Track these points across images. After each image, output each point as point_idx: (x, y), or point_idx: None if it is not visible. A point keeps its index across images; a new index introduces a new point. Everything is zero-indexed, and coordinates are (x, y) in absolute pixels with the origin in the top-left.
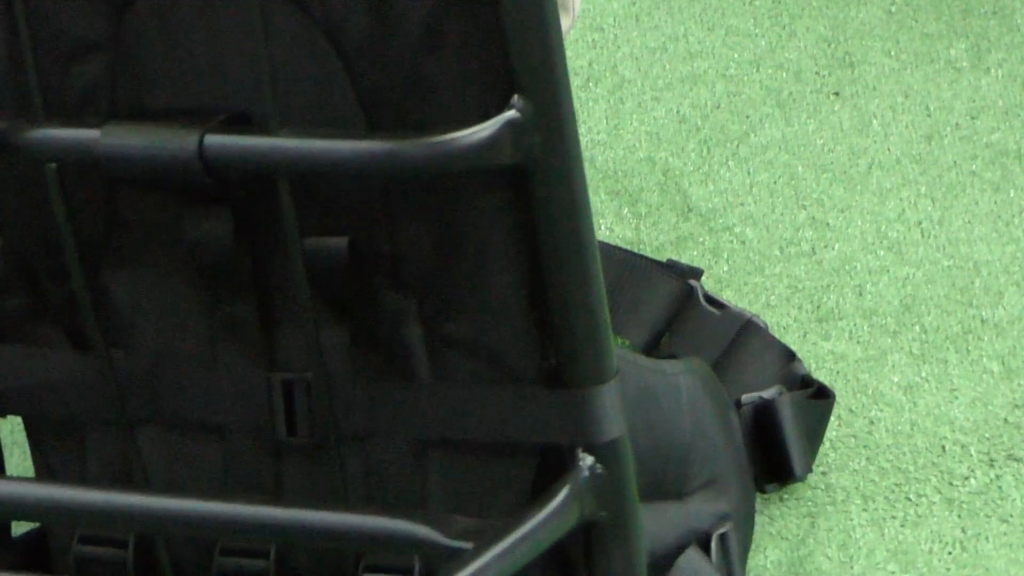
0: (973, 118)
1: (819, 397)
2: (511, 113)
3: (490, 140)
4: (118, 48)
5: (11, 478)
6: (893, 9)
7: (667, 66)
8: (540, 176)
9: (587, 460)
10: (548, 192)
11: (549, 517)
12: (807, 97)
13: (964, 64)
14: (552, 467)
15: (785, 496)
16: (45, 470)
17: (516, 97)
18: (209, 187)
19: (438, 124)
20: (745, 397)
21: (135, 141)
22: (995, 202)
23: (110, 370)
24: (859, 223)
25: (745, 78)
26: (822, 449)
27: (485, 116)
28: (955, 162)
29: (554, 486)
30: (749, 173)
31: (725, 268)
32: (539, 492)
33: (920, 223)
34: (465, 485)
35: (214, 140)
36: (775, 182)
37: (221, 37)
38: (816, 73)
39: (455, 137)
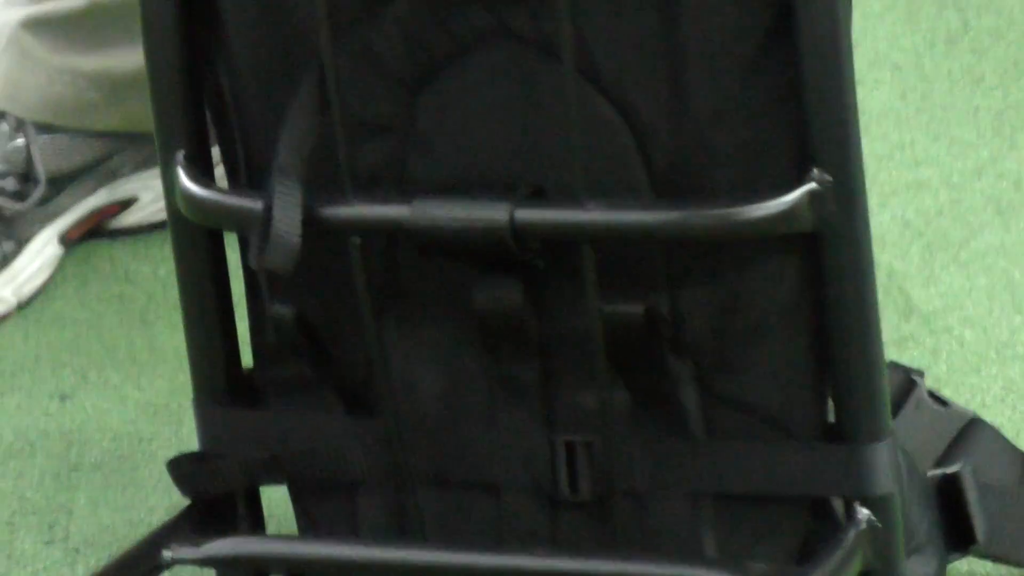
0: None
1: None
2: (811, 184)
3: (791, 209)
4: (409, 127)
5: (289, 536)
6: None
7: (893, 173)
8: (834, 242)
9: (864, 513)
10: (840, 256)
11: (838, 566)
12: None
13: None
14: (817, 517)
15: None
16: (312, 532)
17: (815, 168)
18: (515, 256)
19: (726, 191)
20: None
21: (446, 215)
22: None
23: (397, 433)
24: None
25: (967, 186)
26: None
27: (774, 183)
28: None
29: (837, 537)
30: (969, 277)
31: (944, 368)
32: (805, 541)
33: None
34: (737, 534)
35: (524, 213)
36: (993, 286)
37: (511, 115)
38: None
39: (760, 207)
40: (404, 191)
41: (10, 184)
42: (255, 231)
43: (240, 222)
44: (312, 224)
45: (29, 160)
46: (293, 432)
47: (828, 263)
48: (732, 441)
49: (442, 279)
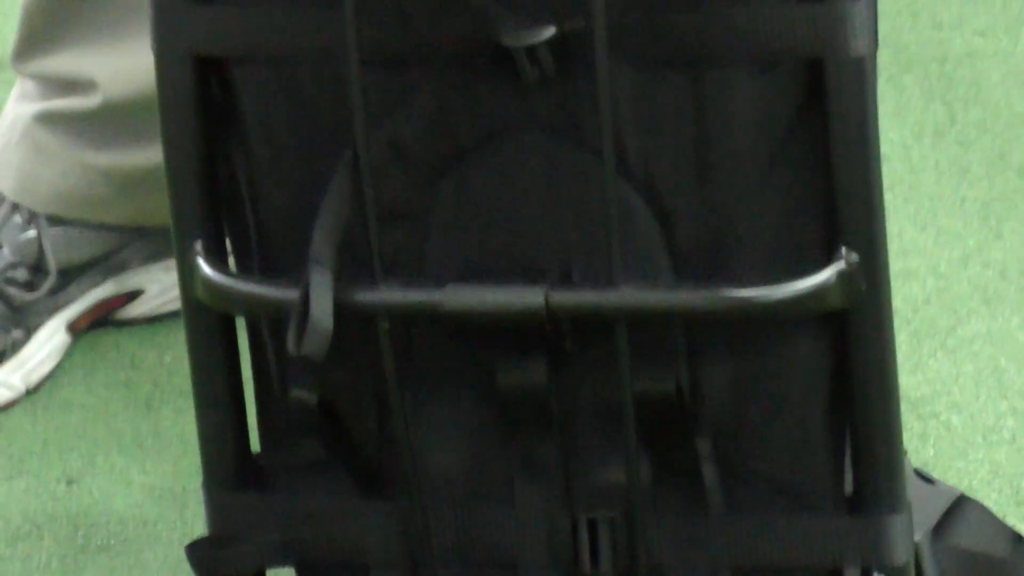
0: None
1: None
2: (840, 264)
3: (822, 289)
4: (430, 212)
5: None
6: None
7: None
8: (860, 319)
9: None
10: (866, 333)
11: None
12: (1011, 295)
13: None
14: None
15: None
16: None
17: (844, 249)
18: (546, 338)
19: (748, 272)
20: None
21: (480, 300)
22: None
23: (416, 513)
24: None
25: (954, 275)
26: None
27: (799, 261)
28: None
29: None
30: (956, 364)
31: (931, 452)
32: None
33: None
34: None
35: (559, 296)
36: (980, 373)
37: (533, 199)
38: (1020, 272)
39: (791, 287)
40: (423, 274)
41: (21, 274)
42: (292, 319)
43: (268, 309)
44: (344, 310)
45: (40, 252)
46: (305, 515)
47: (854, 339)
48: (752, 514)
49: (462, 358)
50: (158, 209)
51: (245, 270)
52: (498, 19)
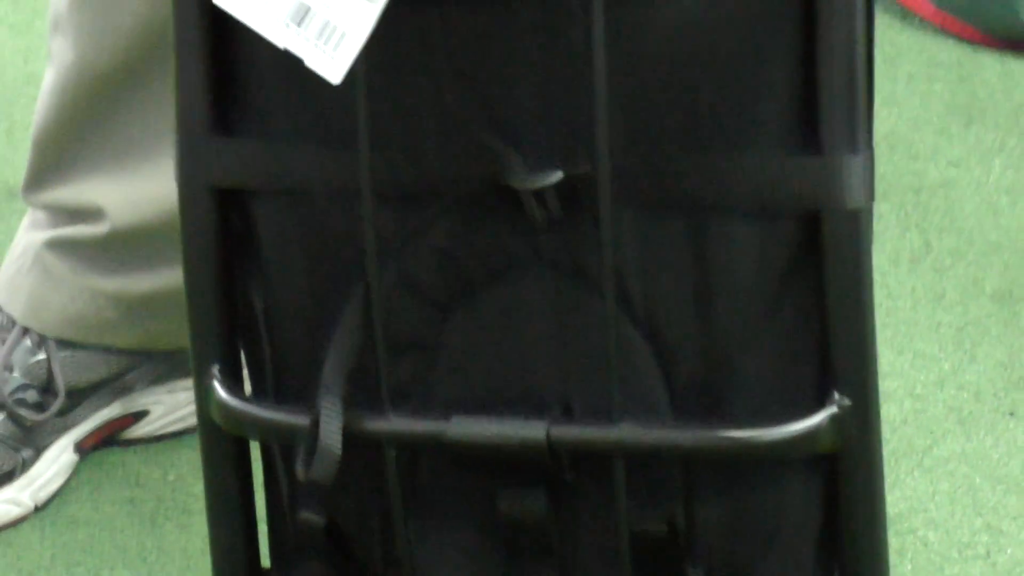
0: None
1: None
2: (833, 408)
3: (815, 432)
4: (438, 345)
5: None
6: None
7: None
8: (851, 463)
9: None
10: (856, 476)
11: None
12: (985, 416)
13: None
14: None
15: None
16: None
17: (836, 393)
18: (547, 470)
19: (744, 411)
20: None
21: (484, 432)
22: None
23: None
24: None
25: (930, 397)
26: None
27: (794, 403)
28: None
29: None
30: (932, 482)
31: (909, 567)
32: None
33: None
34: None
35: (559, 430)
36: (955, 491)
37: (538, 335)
38: (994, 395)
39: (785, 429)
40: (430, 402)
41: (31, 396)
42: (302, 444)
43: (280, 435)
44: (353, 438)
45: (50, 374)
46: None
47: (844, 481)
48: None
49: (466, 485)
50: (163, 333)
51: (260, 393)
52: (508, 161)
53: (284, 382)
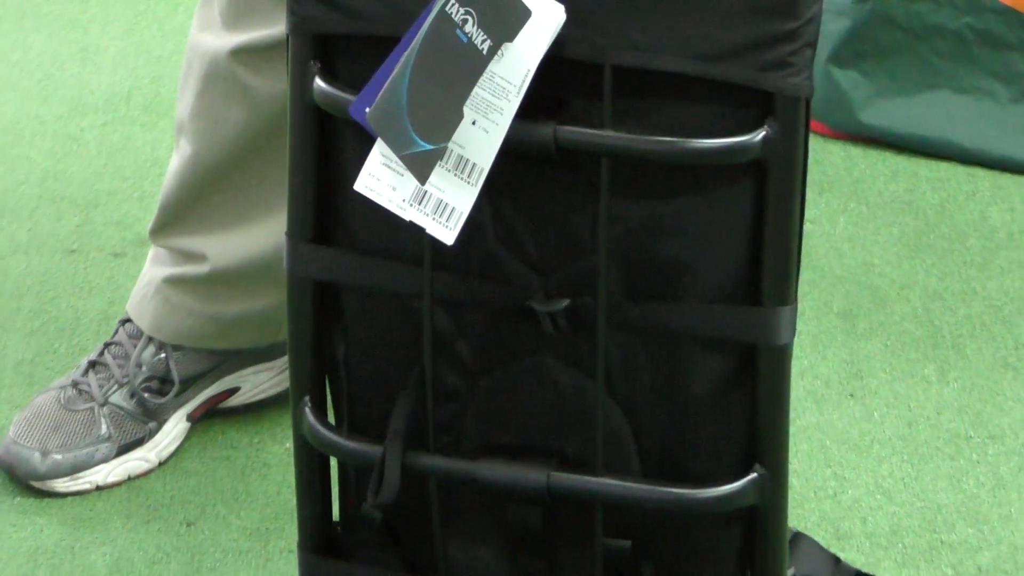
0: (938, 414)
1: None
2: (754, 475)
3: (740, 491)
4: (470, 400)
5: None
6: (888, 343)
7: None
8: (765, 511)
9: None
10: (768, 519)
11: None
12: (832, 397)
13: (933, 379)
14: None
15: None
16: None
17: (757, 464)
18: (545, 505)
19: (694, 473)
20: None
21: (501, 475)
22: (951, 466)
23: None
24: (864, 476)
25: (794, 384)
26: None
27: (726, 470)
28: (926, 440)
29: None
30: (795, 444)
31: None
32: None
33: (903, 478)
34: None
35: (557, 477)
36: (811, 450)
37: (545, 402)
38: (839, 382)
39: (721, 490)
40: (462, 440)
41: (154, 385)
42: (373, 476)
43: (351, 459)
44: (407, 471)
45: (167, 368)
46: None
47: (760, 523)
48: None
49: (487, 501)
50: (245, 339)
51: (340, 419)
52: (530, 286)
53: (355, 412)
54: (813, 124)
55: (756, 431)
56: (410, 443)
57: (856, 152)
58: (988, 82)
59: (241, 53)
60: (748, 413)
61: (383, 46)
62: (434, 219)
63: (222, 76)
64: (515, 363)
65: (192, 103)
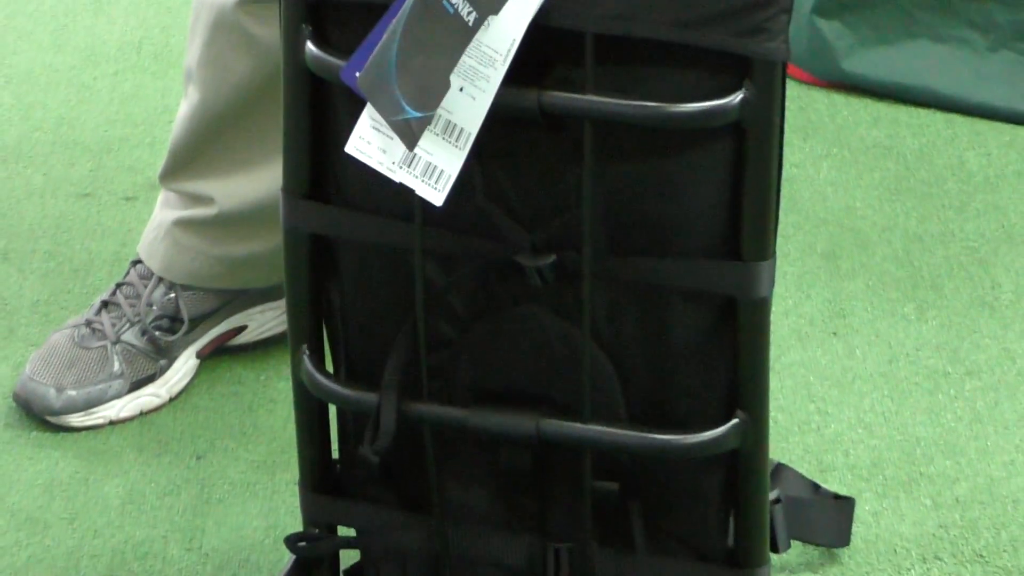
0: (918, 351)
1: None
2: (736, 420)
3: (723, 436)
4: (462, 346)
5: None
6: (870, 284)
7: None
8: (746, 455)
9: None
10: (749, 463)
11: None
12: (816, 335)
13: (912, 317)
14: None
15: None
16: None
17: (739, 410)
18: (535, 448)
19: (678, 419)
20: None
21: (492, 421)
22: (930, 401)
23: (441, 530)
24: (846, 411)
25: (779, 323)
26: None
27: (709, 415)
28: (905, 376)
29: None
30: (780, 380)
31: None
32: None
33: (883, 413)
34: None
35: (546, 424)
36: (796, 386)
37: (532, 350)
38: (822, 321)
39: (704, 435)
40: (454, 387)
41: (165, 323)
42: (369, 425)
43: (350, 406)
44: (401, 418)
45: (177, 307)
46: (366, 517)
47: (741, 468)
48: (666, 557)
49: (480, 444)
50: (253, 279)
51: (338, 366)
52: (518, 242)
53: (352, 361)
54: (799, 72)
55: (737, 379)
56: (405, 390)
57: (839, 99)
58: (966, 32)
59: (247, 3)
60: (730, 362)
61: (373, 13)
62: (423, 181)
63: (229, 26)
64: (505, 312)
65: (200, 52)
